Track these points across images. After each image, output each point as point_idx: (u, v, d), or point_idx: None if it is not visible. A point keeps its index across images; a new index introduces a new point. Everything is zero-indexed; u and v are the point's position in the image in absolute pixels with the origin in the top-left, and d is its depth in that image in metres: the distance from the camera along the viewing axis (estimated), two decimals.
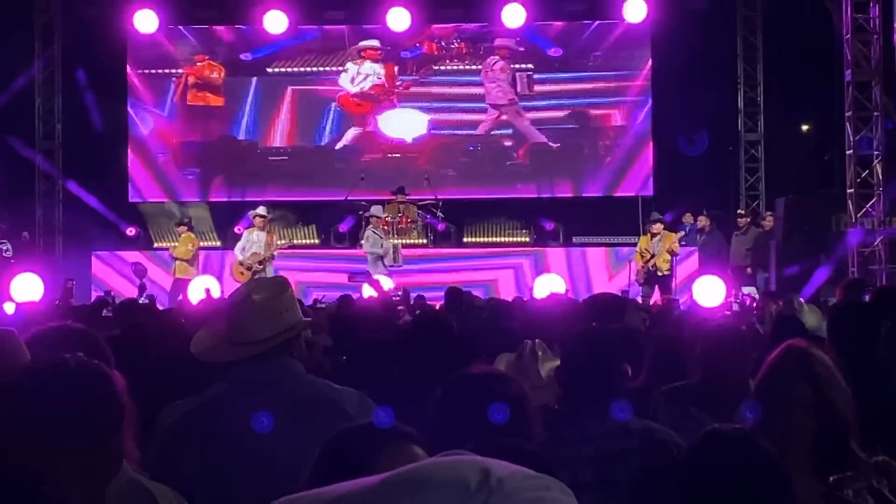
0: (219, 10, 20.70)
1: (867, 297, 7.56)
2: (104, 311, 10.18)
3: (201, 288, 14.18)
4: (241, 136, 21.15)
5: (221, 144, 21.06)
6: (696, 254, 17.76)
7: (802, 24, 19.76)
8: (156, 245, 19.60)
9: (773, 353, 3.33)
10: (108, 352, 2.72)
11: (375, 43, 20.75)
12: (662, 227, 16.61)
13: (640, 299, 15.18)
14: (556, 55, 20.85)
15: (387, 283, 14.34)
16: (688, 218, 18.59)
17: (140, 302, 12.00)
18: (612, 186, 20.69)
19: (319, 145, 21.08)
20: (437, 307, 10.96)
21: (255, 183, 20.85)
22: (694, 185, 18.75)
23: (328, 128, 21.05)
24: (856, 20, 17.42)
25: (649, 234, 16.71)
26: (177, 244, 17.48)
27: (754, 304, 12.80)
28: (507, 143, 20.92)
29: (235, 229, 18.58)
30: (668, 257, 16.31)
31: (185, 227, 17.58)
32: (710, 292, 12.51)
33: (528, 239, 19.99)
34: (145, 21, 20.05)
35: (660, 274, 16.29)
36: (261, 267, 16.45)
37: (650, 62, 20.54)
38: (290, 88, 21.01)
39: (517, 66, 20.75)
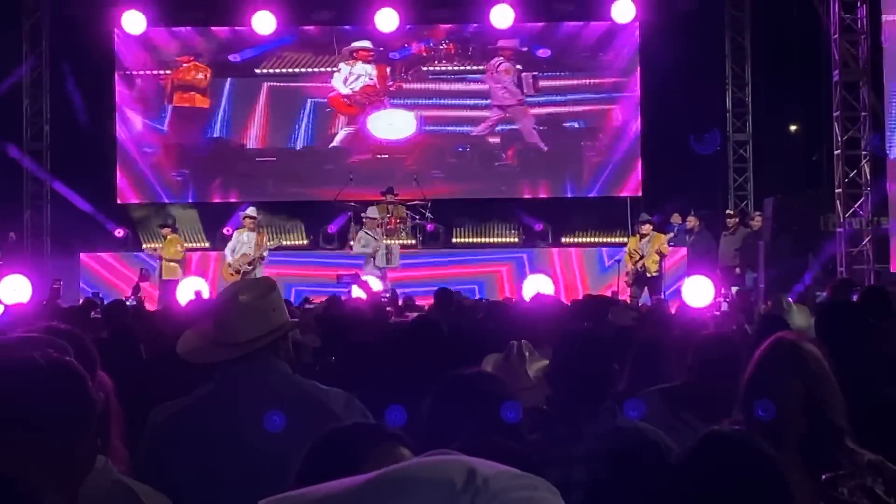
0: (207, 12, 20.65)
1: (855, 297, 7.58)
2: (92, 312, 10.15)
3: (191, 289, 14.18)
4: (229, 138, 21.13)
5: (209, 146, 21.04)
6: (685, 254, 17.77)
7: (790, 25, 19.82)
8: (144, 247, 19.54)
9: (761, 347, 3.30)
10: (95, 353, 2.71)
11: (368, 44, 20.74)
12: (651, 227, 16.63)
13: (628, 300, 15.22)
14: (545, 56, 20.86)
15: (376, 285, 14.34)
16: (676, 218, 18.61)
17: (128, 304, 11.97)
18: (600, 187, 20.71)
19: (308, 146, 21.07)
20: (427, 308, 10.98)
21: (243, 184, 20.82)
22: (682, 186, 18.78)
23: (316, 128, 21.04)
24: (843, 20, 17.48)
25: (638, 235, 16.73)
26: (160, 246, 17.40)
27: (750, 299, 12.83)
28: (496, 143, 20.92)
29: (224, 230, 18.57)
30: (657, 258, 16.33)
31: (170, 230, 17.52)
32: (698, 293, 12.55)
33: (516, 239, 20.01)
34: (133, 22, 19.99)
35: (649, 275, 16.31)
36: (250, 268, 16.42)
37: (638, 63, 20.56)
38: (278, 89, 21.00)
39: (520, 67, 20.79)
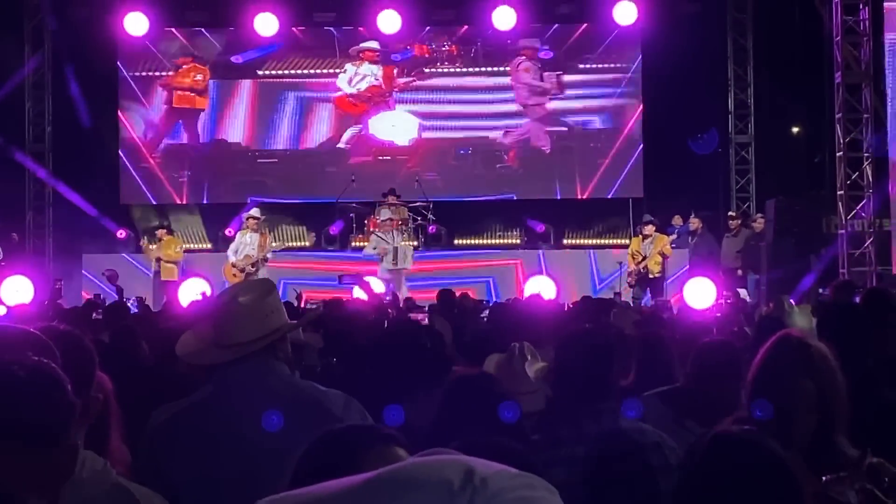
0: (209, 13, 20.67)
1: (857, 299, 7.57)
2: (94, 313, 10.16)
3: (194, 291, 14.17)
4: (232, 139, 21.13)
5: (212, 147, 21.05)
6: (687, 256, 17.76)
7: (792, 27, 19.80)
8: (141, 243, 19.50)
9: (766, 346, 3.24)
10: (94, 353, 2.70)
11: (374, 45, 20.74)
12: (654, 229, 16.63)
13: (631, 301, 15.22)
14: (547, 58, 20.86)
15: (378, 286, 14.35)
16: (677, 220, 18.59)
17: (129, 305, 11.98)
18: (602, 188, 20.70)
19: (310, 148, 21.08)
20: (427, 308, 11.02)
21: (245, 185, 20.82)
22: (684, 187, 18.77)
23: (319, 130, 21.04)
24: (846, 22, 17.47)
25: (641, 236, 16.73)
26: (154, 247, 17.31)
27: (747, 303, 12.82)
28: (498, 145, 20.91)
29: (226, 232, 18.58)
30: (660, 259, 16.33)
31: (165, 231, 17.44)
32: (700, 294, 12.55)
33: (518, 241, 20.03)
34: (135, 23, 20.01)
35: (651, 276, 16.31)
36: (254, 269, 16.41)
37: (641, 64, 20.56)
38: (280, 91, 21.01)
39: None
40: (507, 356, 4.87)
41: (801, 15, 19.30)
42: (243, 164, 21.07)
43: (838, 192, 17.66)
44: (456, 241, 19.86)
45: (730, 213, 19.00)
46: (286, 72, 20.98)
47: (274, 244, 17.33)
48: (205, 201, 20.90)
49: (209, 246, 19.52)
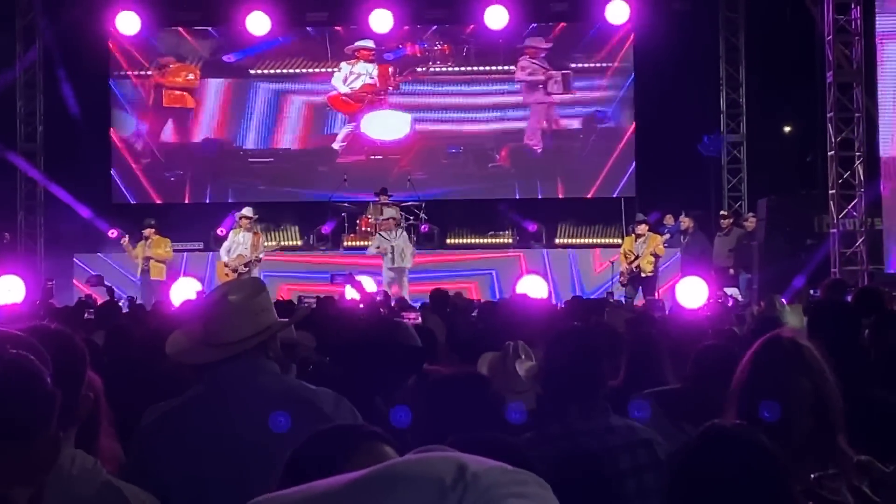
0: (201, 12, 20.66)
1: (849, 298, 7.58)
2: (85, 312, 10.14)
3: (187, 290, 14.15)
4: (223, 138, 21.11)
5: (204, 146, 21.01)
6: (679, 255, 17.78)
7: (784, 26, 19.83)
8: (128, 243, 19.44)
9: (755, 346, 3.23)
10: (84, 352, 2.69)
11: (370, 43, 20.73)
12: (647, 228, 16.65)
13: (623, 300, 15.24)
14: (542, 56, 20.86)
15: (369, 285, 14.34)
16: (668, 219, 18.60)
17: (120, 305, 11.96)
18: (594, 188, 20.70)
19: (302, 147, 21.07)
20: (419, 306, 11.02)
21: (237, 185, 20.81)
22: (676, 186, 18.78)
23: (311, 129, 21.03)
24: (837, 22, 17.49)
25: (633, 236, 16.75)
26: (143, 244, 17.16)
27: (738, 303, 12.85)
28: (489, 144, 20.91)
29: (217, 231, 18.54)
30: (652, 259, 16.34)
31: (153, 230, 17.15)
32: (692, 293, 12.58)
33: (510, 240, 20.02)
34: (127, 23, 20.00)
35: (643, 275, 16.32)
36: (246, 269, 16.34)
37: (632, 64, 20.57)
38: (272, 90, 20.99)
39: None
40: (500, 355, 4.87)
41: (793, 14, 19.33)
42: (235, 164, 21.05)
43: (830, 192, 17.68)
44: (448, 241, 19.86)
45: (721, 212, 19.01)
46: (278, 71, 20.96)
47: (268, 244, 17.30)
48: (196, 200, 20.87)
49: (200, 245, 19.45)
